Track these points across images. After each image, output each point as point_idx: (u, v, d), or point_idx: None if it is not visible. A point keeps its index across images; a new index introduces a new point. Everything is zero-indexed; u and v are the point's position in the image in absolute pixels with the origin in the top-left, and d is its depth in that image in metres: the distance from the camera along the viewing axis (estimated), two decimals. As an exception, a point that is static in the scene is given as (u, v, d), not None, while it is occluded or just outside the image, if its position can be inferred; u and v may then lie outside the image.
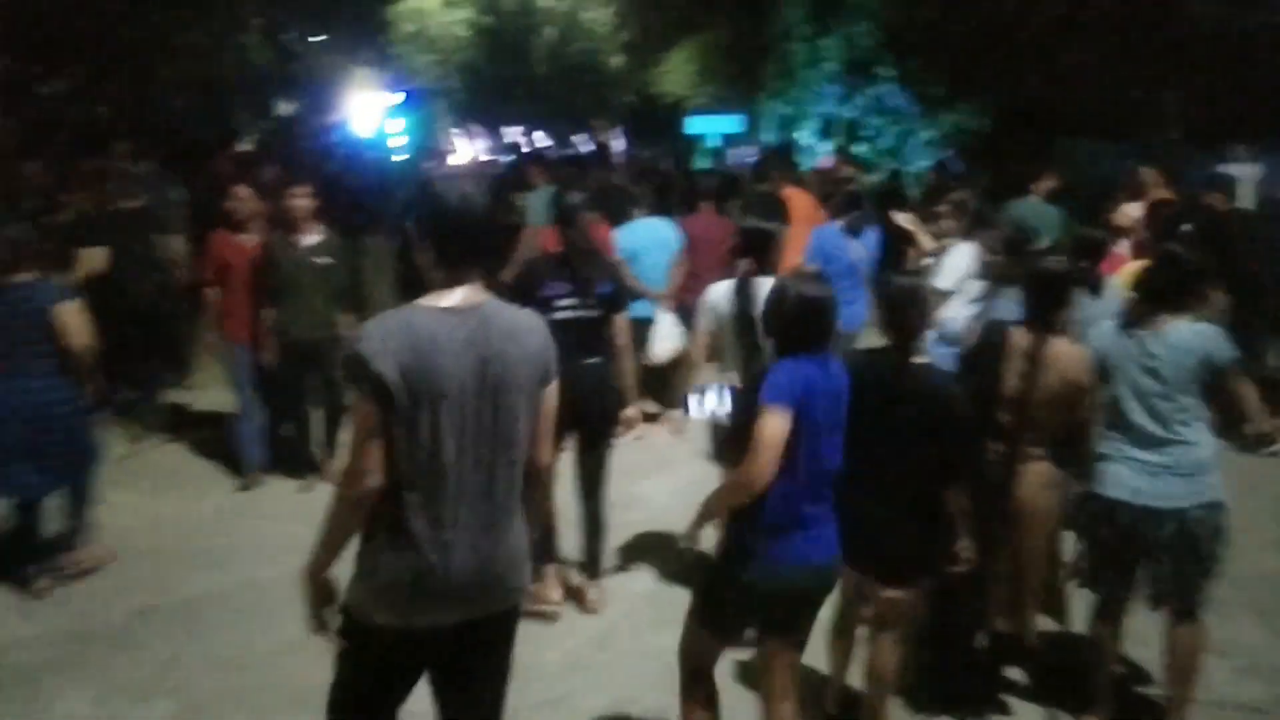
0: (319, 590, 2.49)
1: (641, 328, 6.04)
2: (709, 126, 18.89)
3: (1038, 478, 3.69)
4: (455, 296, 2.41)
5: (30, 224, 5.27)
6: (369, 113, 21.40)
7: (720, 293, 4.37)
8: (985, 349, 3.75)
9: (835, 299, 3.00)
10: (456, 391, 2.33)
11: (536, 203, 8.46)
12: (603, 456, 4.57)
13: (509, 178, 10.03)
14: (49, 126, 16.11)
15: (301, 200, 5.58)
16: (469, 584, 2.44)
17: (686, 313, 6.84)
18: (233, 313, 5.82)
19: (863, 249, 6.75)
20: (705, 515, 3.03)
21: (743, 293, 4.26)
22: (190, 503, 5.88)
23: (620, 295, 4.53)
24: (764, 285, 4.17)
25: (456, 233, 2.44)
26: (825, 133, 16.35)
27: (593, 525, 4.67)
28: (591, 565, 4.71)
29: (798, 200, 7.91)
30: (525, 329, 2.50)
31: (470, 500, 2.42)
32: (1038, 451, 3.68)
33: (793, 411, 2.80)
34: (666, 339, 6.29)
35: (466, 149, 18.93)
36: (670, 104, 21.36)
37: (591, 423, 4.44)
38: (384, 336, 2.31)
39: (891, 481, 3.22)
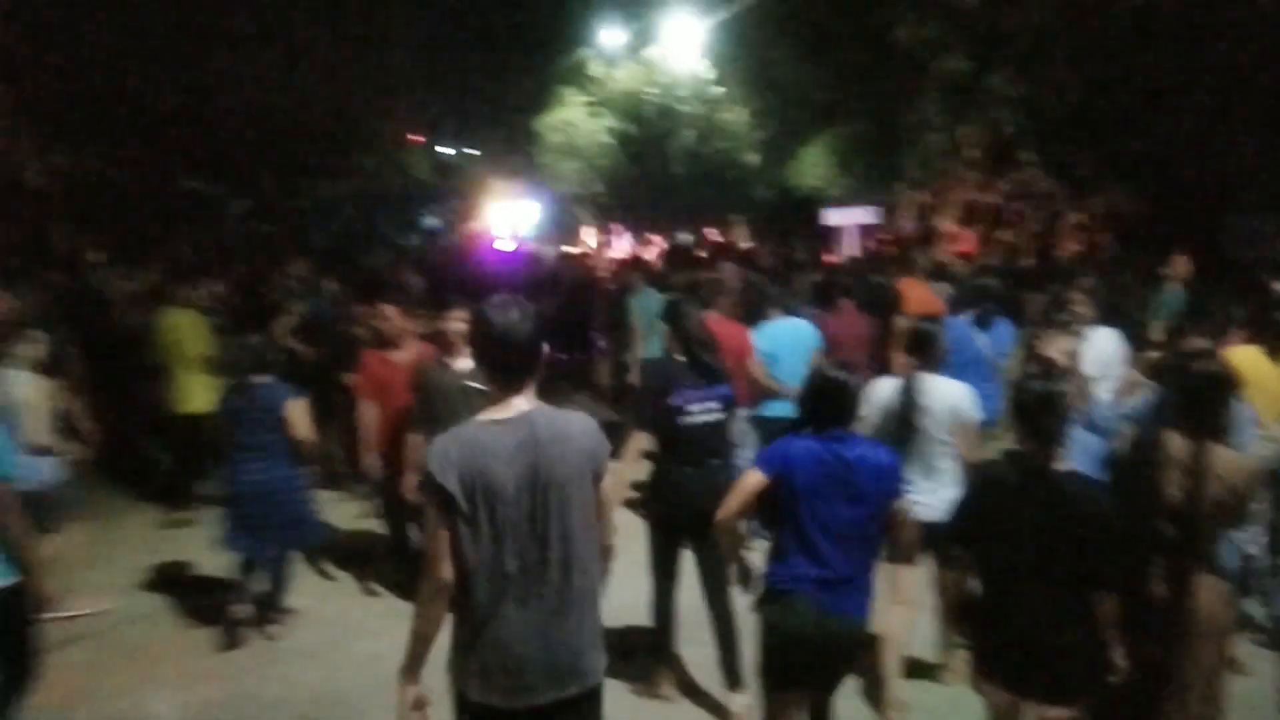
0: (407, 695, 2.71)
1: (786, 428, 6.03)
2: (846, 218, 18.92)
3: (1212, 592, 3.47)
4: (507, 409, 2.69)
5: (264, 333, 6.09)
6: (512, 220, 22.59)
7: (886, 389, 4.46)
8: (1139, 455, 3.59)
9: (852, 387, 3.38)
10: (511, 493, 2.61)
11: (637, 306, 8.65)
12: (721, 557, 4.43)
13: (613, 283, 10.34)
14: (236, 239, 17.83)
15: (457, 324, 5.18)
16: (543, 668, 2.66)
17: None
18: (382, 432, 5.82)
19: (988, 341, 6.66)
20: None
21: (908, 390, 4.36)
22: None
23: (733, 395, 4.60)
24: (929, 382, 4.26)
25: (502, 357, 2.70)
26: (967, 220, 16.12)
27: (723, 630, 4.49)
28: (729, 674, 4.47)
29: (913, 291, 7.86)
30: (575, 430, 2.74)
31: (536, 589, 2.65)
32: (1206, 564, 3.47)
33: (770, 477, 3.32)
34: None
35: (611, 248, 19.58)
36: (805, 197, 21.54)
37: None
38: (445, 452, 2.61)
39: (1040, 594, 3.10)
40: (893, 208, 18.59)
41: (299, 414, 5.22)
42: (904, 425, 4.34)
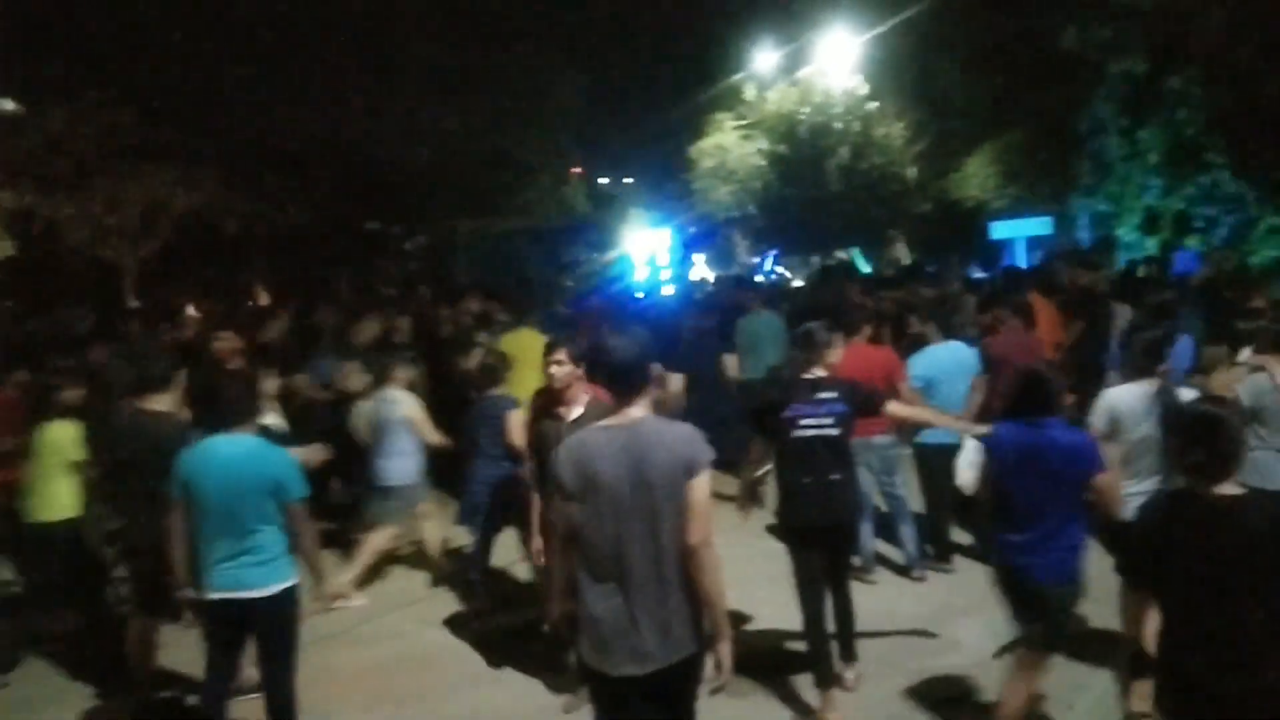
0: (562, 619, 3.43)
1: (945, 456, 5.88)
2: (1015, 230, 18.17)
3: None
4: (621, 419, 3.22)
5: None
6: (660, 249, 22.87)
7: (1130, 399, 4.56)
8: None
9: (1048, 379, 4.16)
10: (610, 486, 3.10)
11: (748, 328, 8.65)
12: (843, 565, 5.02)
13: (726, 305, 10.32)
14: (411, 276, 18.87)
15: (561, 368, 4.64)
16: (626, 646, 3.11)
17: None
18: None
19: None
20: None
21: (1166, 397, 4.51)
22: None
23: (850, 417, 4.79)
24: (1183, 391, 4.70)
25: (613, 376, 3.27)
26: (1149, 227, 15.16)
27: (842, 614, 4.97)
28: (845, 649, 5.00)
29: (1045, 311, 7.77)
30: (672, 437, 3.18)
31: (638, 570, 3.10)
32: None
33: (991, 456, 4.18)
34: (971, 466, 6.05)
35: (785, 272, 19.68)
36: (969, 209, 20.83)
37: (832, 535, 4.83)
38: (565, 453, 3.23)
39: (1234, 643, 2.88)
40: (1066, 218, 17.71)
41: (514, 421, 5.89)
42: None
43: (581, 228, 23.67)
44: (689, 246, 24.07)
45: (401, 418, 6.46)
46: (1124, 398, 4.60)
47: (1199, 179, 14.07)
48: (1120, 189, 15.40)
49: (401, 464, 6.47)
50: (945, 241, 20.82)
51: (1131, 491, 4.31)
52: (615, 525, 3.09)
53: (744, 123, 23.43)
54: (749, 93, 23.46)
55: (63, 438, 5.52)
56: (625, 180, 33.14)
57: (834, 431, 4.69)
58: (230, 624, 4.27)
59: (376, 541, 6.60)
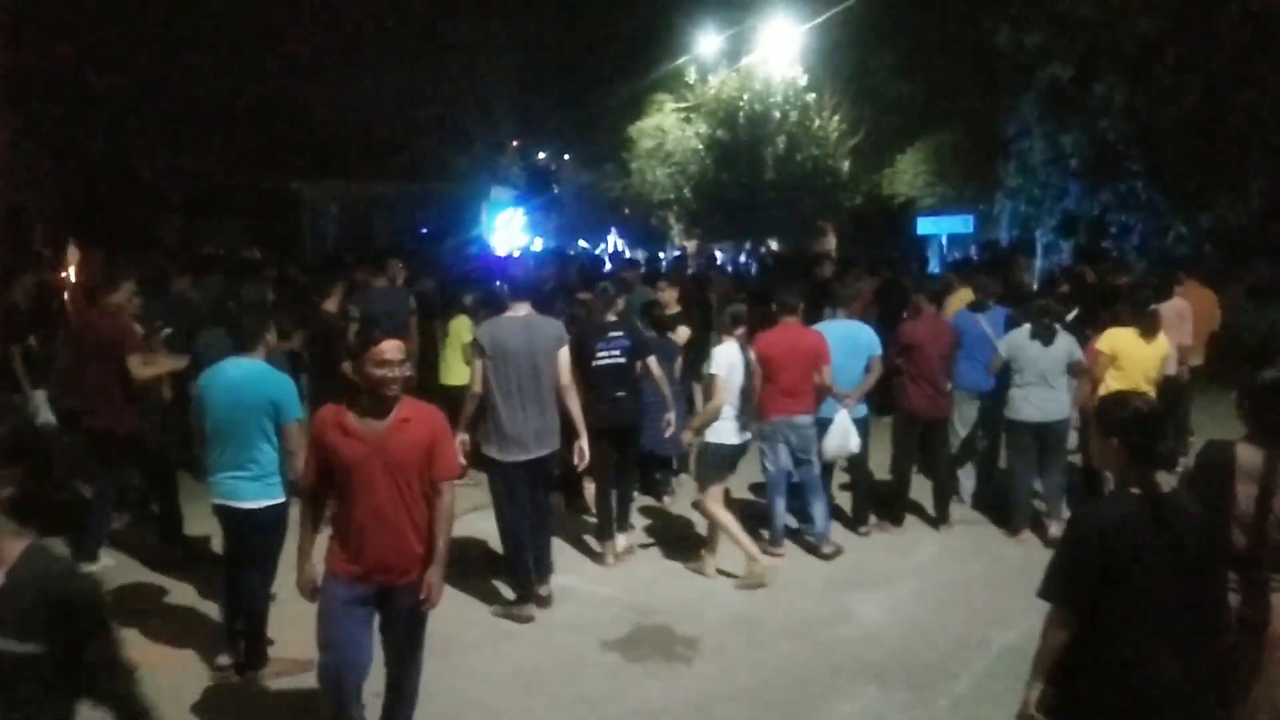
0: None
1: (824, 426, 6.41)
2: (938, 228, 18.58)
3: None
4: (517, 311, 5.43)
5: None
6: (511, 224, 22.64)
7: None
8: (1210, 466, 3.47)
9: None
10: (517, 353, 5.27)
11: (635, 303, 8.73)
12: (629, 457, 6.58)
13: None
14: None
15: None
16: (530, 441, 5.39)
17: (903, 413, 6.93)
18: None
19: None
20: None
21: None
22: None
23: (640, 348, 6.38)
24: None
25: (519, 284, 5.76)
26: (1067, 230, 15.64)
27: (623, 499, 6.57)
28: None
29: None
30: (549, 327, 5.50)
31: (529, 399, 5.35)
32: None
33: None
34: (836, 437, 6.38)
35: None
36: (898, 205, 21.24)
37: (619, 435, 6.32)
38: (486, 330, 5.47)
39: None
40: (989, 217, 18.19)
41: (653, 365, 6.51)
42: None
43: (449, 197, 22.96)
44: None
45: None
46: None
47: (1117, 185, 14.54)
48: (1041, 192, 15.84)
49: None
50: (874, 234, 21.21)
51: None
52: (515, 375, 5.27)
53: (684, 105, 23.50)
54: (691, 76, 23.52)
55: None
56: (564, 156, 32.94)
57: (621, 361, 6.25)
58: (228, 531, 4.66)
59: None
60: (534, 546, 5.50)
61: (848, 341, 6.53)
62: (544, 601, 5.51)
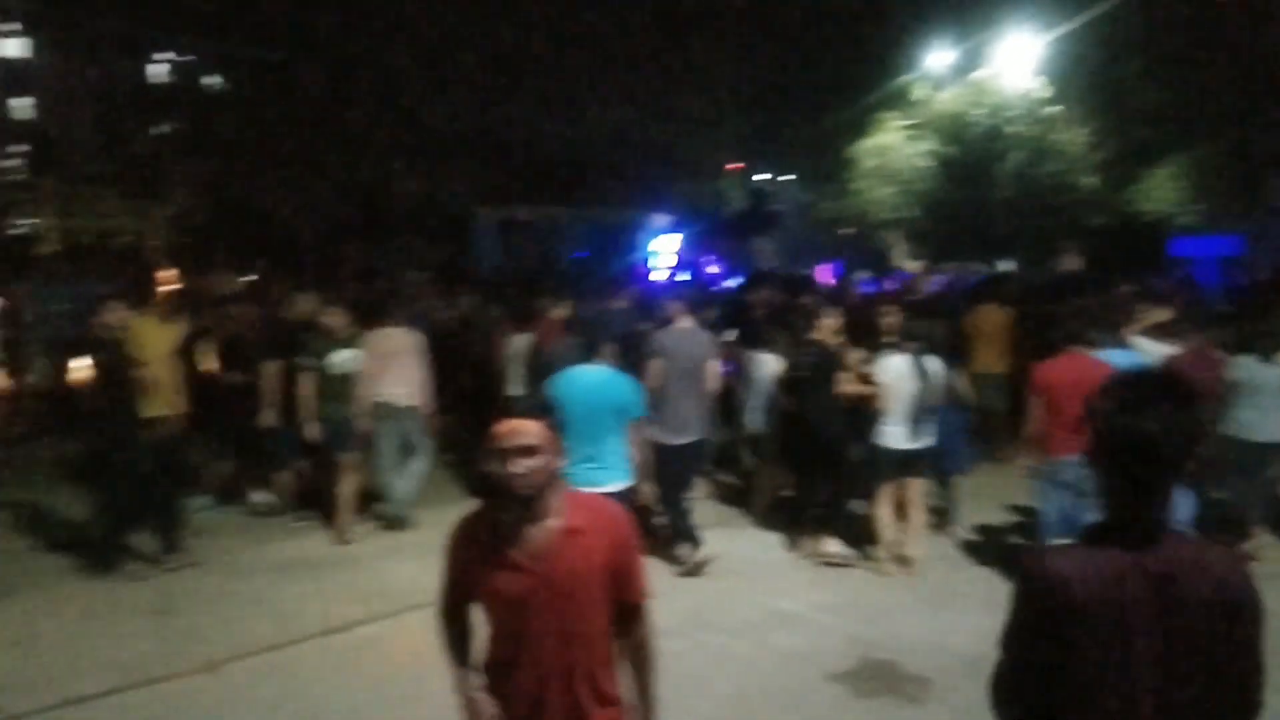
0: None
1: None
2: (1200, 248, 17.00)
3: None
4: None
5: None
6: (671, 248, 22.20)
7: None
8: None
9: None
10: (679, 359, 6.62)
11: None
12: None
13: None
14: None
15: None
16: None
17: None
18: None
19: None
20: None
21: None
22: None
23: None
24: None
25: None
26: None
27: None
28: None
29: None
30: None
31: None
32: None
33: None
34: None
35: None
36: (1150, 224, 19.64)
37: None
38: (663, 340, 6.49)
39: None
40: (1262, 238, 16.47)
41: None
42: None
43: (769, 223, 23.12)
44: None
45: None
46: None
47: None
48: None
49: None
50: (1121, 256, 19.68)
51: None
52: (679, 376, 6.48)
53: (911, 123, 22.81)
54: (919, 92, 22.81)
55: None
56: (784, 178, 32.79)
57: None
58: None
59: None
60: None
61: None
62: (694, 569, 6.39)
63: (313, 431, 7.07)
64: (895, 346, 6.42)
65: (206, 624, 5.63)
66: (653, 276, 16.97)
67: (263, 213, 16.30)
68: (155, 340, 6.85)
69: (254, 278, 12.53)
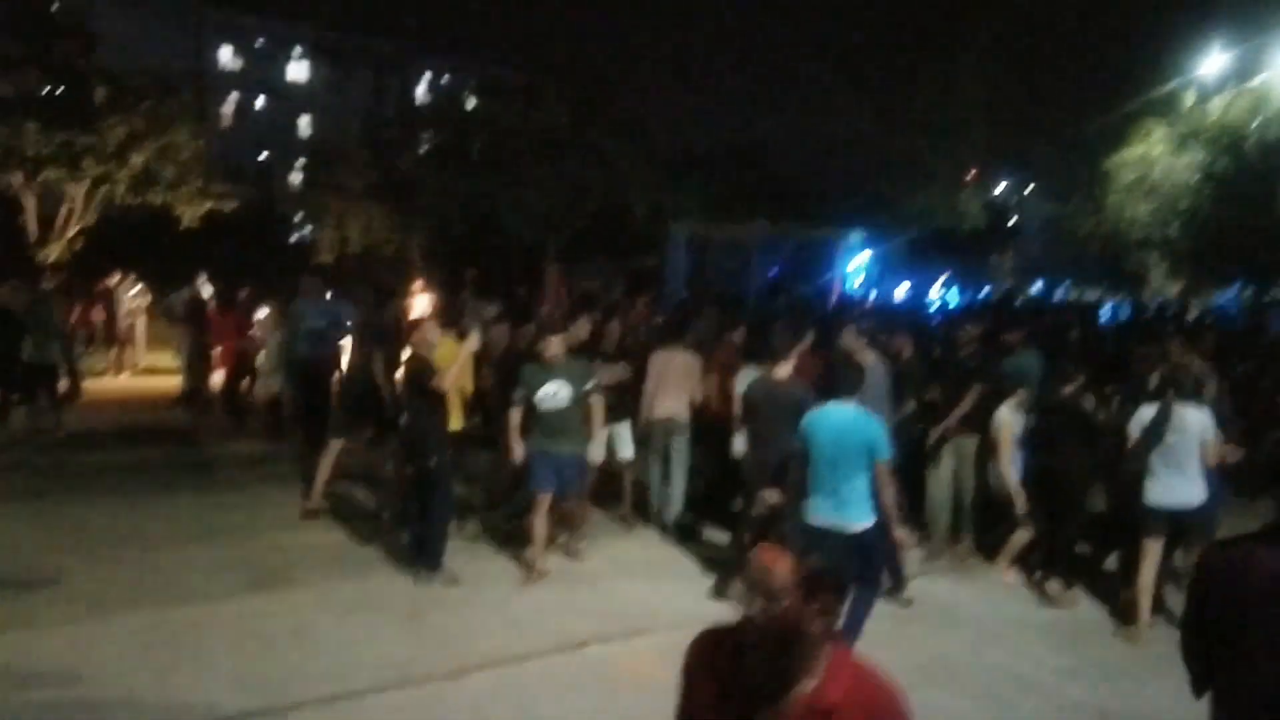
0: None
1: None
2: None
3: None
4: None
5: None
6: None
7: None
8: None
9: None
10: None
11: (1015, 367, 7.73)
12: None
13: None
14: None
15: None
16: None
17: None
18: None
19: None
20: None
21: None
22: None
23: None
24: None
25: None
26: None
27: None
28: None
29: None
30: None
31: None
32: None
33: None
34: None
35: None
36: None
37: None
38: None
39: None
40: None
41: None
42: None
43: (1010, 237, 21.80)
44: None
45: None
46: None
47: None
48: None
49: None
50: None
51: None
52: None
53: (1179, 132, 20.90)
54: (1188, 100, 20.88)
55: None
56: (1026, 189, 31.00)
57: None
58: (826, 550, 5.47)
59: None
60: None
61: None
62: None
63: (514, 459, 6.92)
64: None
65: (454, 628, 6.04)
66: (848, 294, 16.44)
67: (507, 229, 17.30)
68: (452, 357, 7.19)
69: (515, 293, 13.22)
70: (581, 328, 8.14)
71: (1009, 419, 6.79)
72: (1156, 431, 5.97)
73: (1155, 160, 20.94)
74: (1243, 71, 20.04)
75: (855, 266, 19.63)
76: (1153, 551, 6.06)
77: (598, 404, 7.02)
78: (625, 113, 17.77)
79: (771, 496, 5.97)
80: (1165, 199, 20.76)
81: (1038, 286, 23.26)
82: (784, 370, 6.45)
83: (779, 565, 2.08)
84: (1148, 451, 5.97)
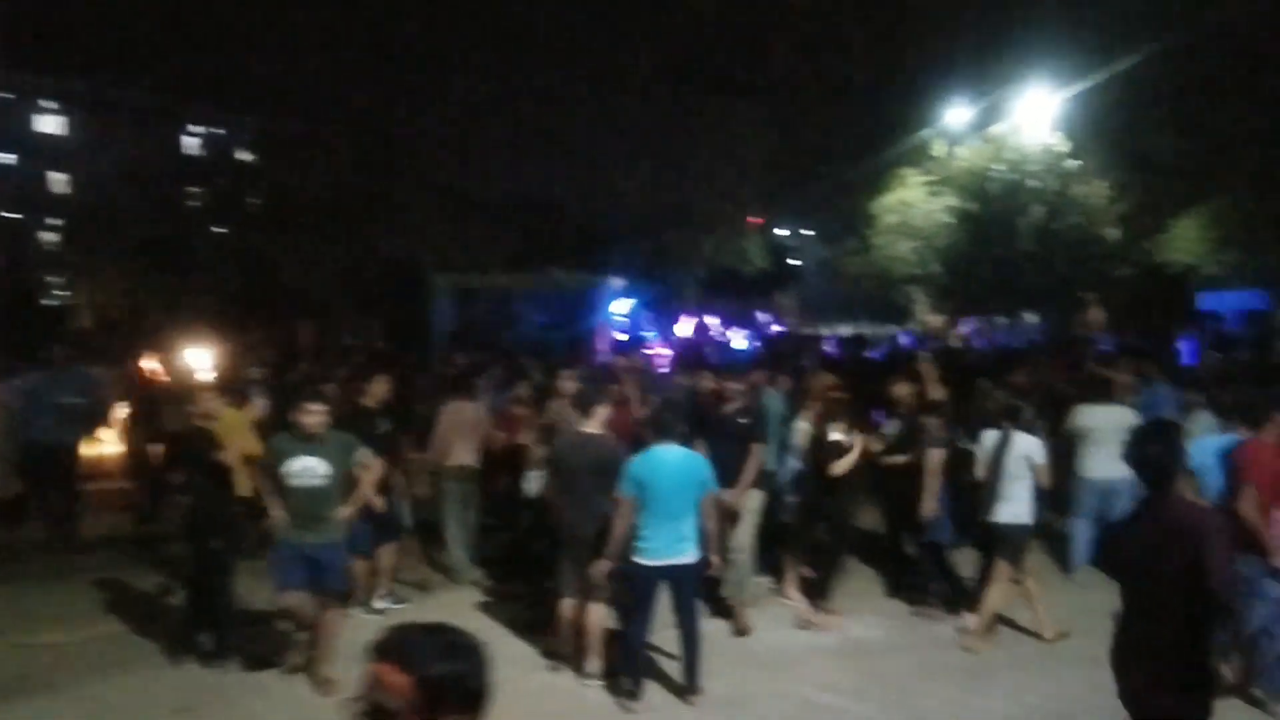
0: None
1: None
2: (1224, 302, 16.84)
3: None
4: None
5: None
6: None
7: None
8: None
9: None
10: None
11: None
12: None
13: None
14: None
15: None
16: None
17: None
18: None
19: None
20: None
21: None
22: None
23: None
24: None
25: None
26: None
27: None
28: None
29: None
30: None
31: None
32: None
33: None
34: None
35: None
36: (1174, 275, 19.49)
37: None
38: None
39: None
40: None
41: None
42: None
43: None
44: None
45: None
46: None
47: None
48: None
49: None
50: (1146, 308, 19.53)
51: None
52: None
53: (931, 179, 22.91)
54: (938, 148, 22.95)
55: None
56: (804, 232, 32.97)
57: None
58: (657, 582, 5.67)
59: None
60: None
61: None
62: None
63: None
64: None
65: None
66: (613, 338, 16.69)
67: (288, 283, 16.54)
68: (235, 427, 6.75)
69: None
70: (379, 386, 7.67)
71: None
72: (998, 456, 6.40)
73: (912, 203, 22.82)
74: (983, 121, 22.27)
75: (619, 311, 19.80)
76: (1005, 566, 6.41)
77: (366, 477, 6.09)
78: (417, 164, 17.49)
79: (602, 568, 5.79)
80: (925, 238, 22.62)
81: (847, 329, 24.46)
82: (595, 424, 6.11)
83: (392, 679, 1.77)
84: (996, 474, 6.39)
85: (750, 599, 7.02)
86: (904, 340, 17.79)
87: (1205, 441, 5.97)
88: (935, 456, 6.91)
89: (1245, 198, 17.31)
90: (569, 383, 7.70)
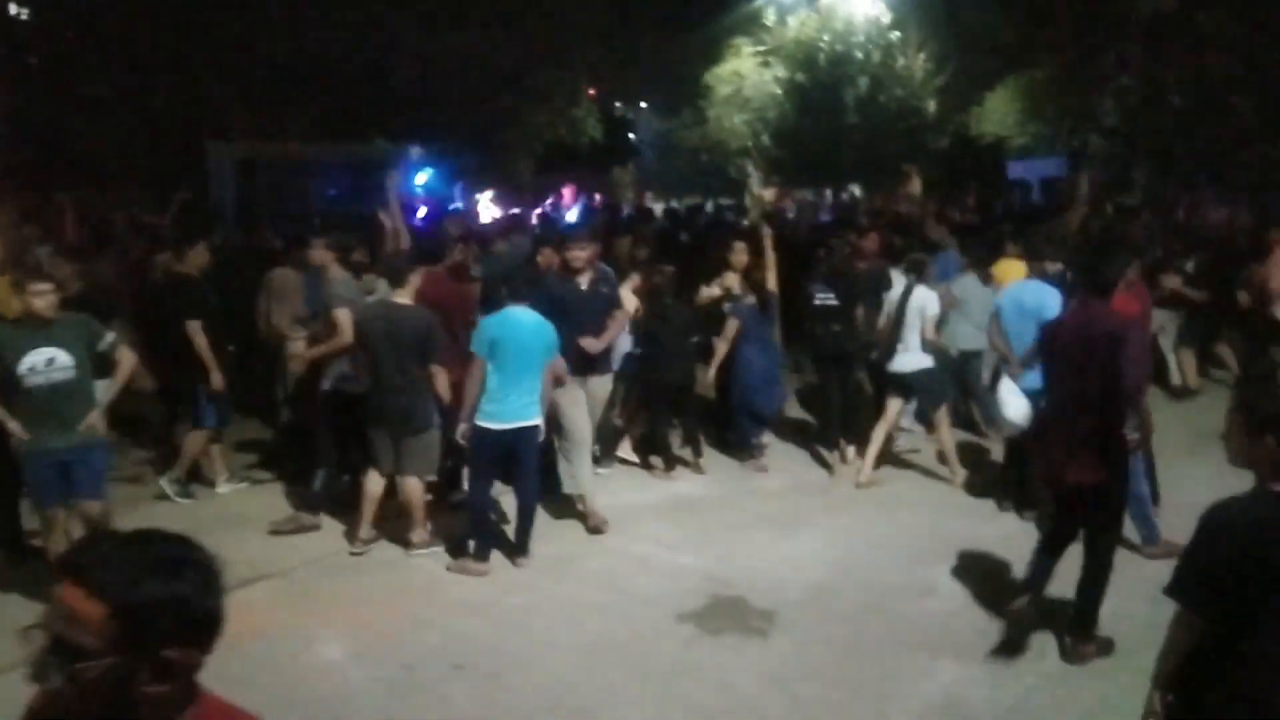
0: None
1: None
2: (1029, 171, 17.84)
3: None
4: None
5: None
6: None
7: None
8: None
9: None
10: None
11: None
12: None
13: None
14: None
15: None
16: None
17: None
18: None
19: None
20: None
21: None
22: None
23: None
24: None
25: None
26: (1167, 170, 14.90)
27: None
28: None
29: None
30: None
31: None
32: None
33: None
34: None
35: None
36: (988, 146, 20.44)
37: None
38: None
39: None
40: (1083, 159, 17.39)
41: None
42: None
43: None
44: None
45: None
46: None
47: (1221, 126, 13.74)
48: (1141, 132, 15.08)
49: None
50: (962, 178, 20.46)
51: None
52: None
53: (762, 49, 22.89)
54: (769, 18, 22.88)
55: None
56: (641, 104, 32.41)
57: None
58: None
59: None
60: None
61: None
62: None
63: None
64: None
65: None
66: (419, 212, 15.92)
67: (79, 156, 14.96)
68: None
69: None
70: (198, 254, 7.00)
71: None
72: (901, 307, 6.72)
73: (745, 75, 22.82)
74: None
75: (420, 182, 18.88)
76: (895, 408, 7.06)
77: (126, 355, 5.29)
78: (218, 24, 15.85)
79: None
80: (756, 111, 22.76)
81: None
82: (405, 294, 5.81)
83: (83, 607, 1.35)
84: (898, 326, 6.75)
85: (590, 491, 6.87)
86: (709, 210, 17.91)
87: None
88: (731, 326, 7.24)
89: (1051, 72, 18.15)
90: (318, 252, 6.77)
